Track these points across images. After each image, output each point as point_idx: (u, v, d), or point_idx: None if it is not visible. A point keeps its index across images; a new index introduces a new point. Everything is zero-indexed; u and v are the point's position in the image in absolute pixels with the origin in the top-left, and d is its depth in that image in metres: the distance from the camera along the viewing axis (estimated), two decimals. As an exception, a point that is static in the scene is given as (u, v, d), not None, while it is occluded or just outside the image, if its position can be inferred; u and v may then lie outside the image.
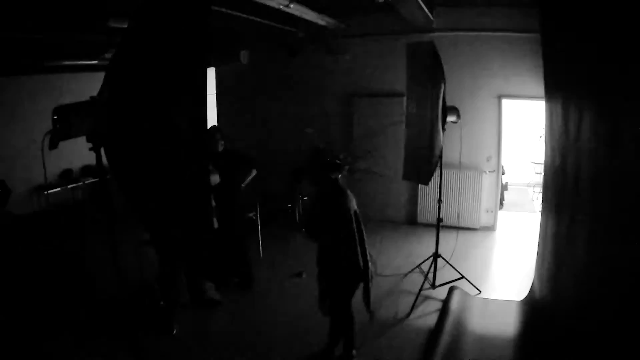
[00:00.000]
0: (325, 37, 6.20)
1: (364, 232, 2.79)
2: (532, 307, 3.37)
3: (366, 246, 2.79)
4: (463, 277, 4.03)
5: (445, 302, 3.67)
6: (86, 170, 7.26)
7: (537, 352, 2.81)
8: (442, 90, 3.48)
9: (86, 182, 7.12)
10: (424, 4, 4.71)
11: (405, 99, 3.62)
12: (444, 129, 3.61)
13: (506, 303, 3.63)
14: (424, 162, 3.29)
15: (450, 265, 4.17)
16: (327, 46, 6.28)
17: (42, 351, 3.11)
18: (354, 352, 3.04)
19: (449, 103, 3.65)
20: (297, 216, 6.12)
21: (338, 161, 2.68)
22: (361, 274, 2.76)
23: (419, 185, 3.44)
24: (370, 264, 2.77)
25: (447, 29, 5.53)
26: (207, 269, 3.55)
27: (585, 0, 2.18)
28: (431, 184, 3.51)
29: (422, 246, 5.13)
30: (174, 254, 2.81)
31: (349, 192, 2.73)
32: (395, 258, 4.91)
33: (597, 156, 2.11)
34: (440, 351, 2.94)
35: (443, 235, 4.18)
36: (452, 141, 4.08)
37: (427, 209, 5.91)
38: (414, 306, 3.68)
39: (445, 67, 3.49)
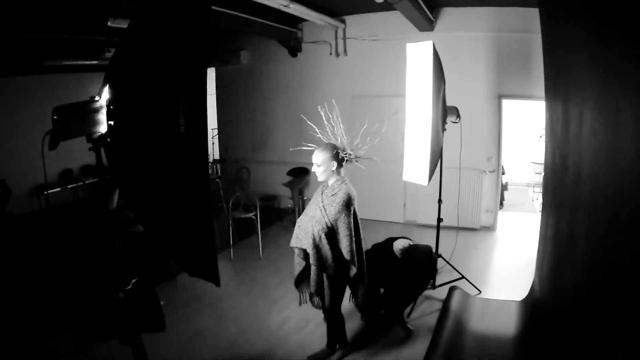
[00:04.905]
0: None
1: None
2: (532, 307, 3.36)
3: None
4: (463, 277, 4.03)
5: (445, 302, 3.66)
6: (86, 170, 7.27)
7: (537, 352, 2.80)
8: (442, 90, 3.48)
9: (86, 182, 7.13)
10: (424, 4, 4.72)
11: (405, 99, 3.61)
12: (444, 129, 3.61)
13: (506, 303, 3.63)
14: (424, 162, 3.29)
15: (450, 265, 4.17)
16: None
17: (42, 352, 3.11)
18: (348, 348, 3.08)
19: (449, 103, 3.65)
20: (297, 216, 6.12)
21: (347, 155, 2.69)
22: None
23: (419, 185, 3.43)
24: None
25: (447, 29, 5.53)
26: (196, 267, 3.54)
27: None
28: (431, 184, 3.50)
29: (422, 246, 5.12)
30: (170, 254, 2.81)
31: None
32: (395, 258, 4.91)
33: (598, 156, 2.11)
34: (440, 351, 2.94)
35: (443, 235, 4.18)
36: (452, 141, 4.07)
37: (427, 209, 5.90)
38: (414, 306, 3.68)
39: (445, 67, 3.49)
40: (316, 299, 2.78)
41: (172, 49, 1.30)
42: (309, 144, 2.75)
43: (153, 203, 1.48)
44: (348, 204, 2.60)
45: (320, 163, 2.63)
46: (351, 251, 2.63)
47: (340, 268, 2.66)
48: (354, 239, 2.66)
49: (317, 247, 2.59)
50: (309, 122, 2.79)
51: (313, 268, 2.64)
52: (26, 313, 3.53)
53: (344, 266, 2.67)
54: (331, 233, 2.59)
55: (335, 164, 2.62)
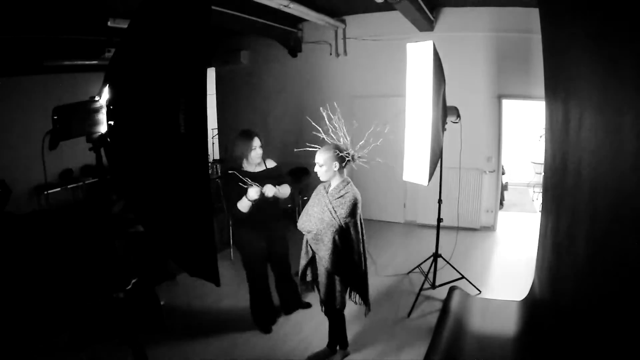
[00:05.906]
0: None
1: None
2: (532, 307, 3.36)
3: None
4: (463, 277, 4.04)
5: (445, 302, 3.67)
6: (86, 170, 7.27)
7: (537, 352, 2.80)
8: (442, 90, 3.48)
9: (86, 182, 7.13)
10: (424, 4, 4.72)
11: (405, 99, 3.61)
12: (444, 129, 3.61)
13: (506, 303, 3.63)
14: (424, 162, 3.29)
15: (450, 265, 4.17)
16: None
17: (42, 352, 3.11)
18: (348, 349, 3.08)
19: (449, 103, 3.65)
20: (297, 216, 6.12)
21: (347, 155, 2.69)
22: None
23: (419, 185, 3.43)
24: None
25: (447, 29, 5.53)
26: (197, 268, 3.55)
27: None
28: (431, 184, 3.50)
29: (422, 246, 5.13)
30: (170, 254, 2.81)
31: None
32: (395, 258, 4.92)
33: (598, 156, 2.11)
34: (440, 351, 2.95)
35: (443, 235, 4.18)
36: (452, 141, 4.08)
37: (427, 209, 5.90)
38: (414, 306, 3.68)
39: (445, 67, 3.49)
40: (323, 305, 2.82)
41: (172, 49, 1.30)
42: (312, 145, 2.76)
43: (153, 203, 1.48)
44: (356, 206, 2.62)
45: (322, 163, 2.64)
46: (358, 253, 2.66)
47: (351, 269, 2.68)
48: (360, 242, 2.68)
49: (336, 252, 2.59)
50: (313, 124, 2.80)
51: (325, 273, 2.66)
52: (26, 313, 3.53)
53: (354, 267, 2.69)
54: (344, 234, 2.61)
55: (337, 164, 2.63)
